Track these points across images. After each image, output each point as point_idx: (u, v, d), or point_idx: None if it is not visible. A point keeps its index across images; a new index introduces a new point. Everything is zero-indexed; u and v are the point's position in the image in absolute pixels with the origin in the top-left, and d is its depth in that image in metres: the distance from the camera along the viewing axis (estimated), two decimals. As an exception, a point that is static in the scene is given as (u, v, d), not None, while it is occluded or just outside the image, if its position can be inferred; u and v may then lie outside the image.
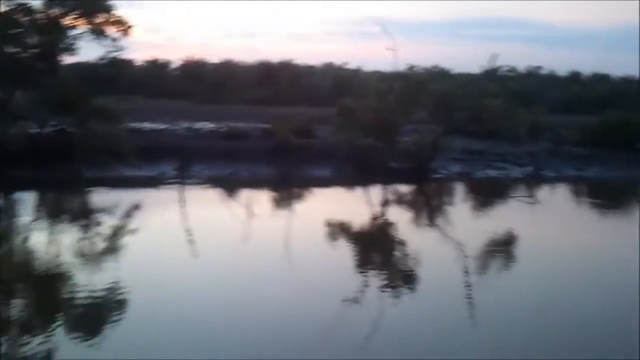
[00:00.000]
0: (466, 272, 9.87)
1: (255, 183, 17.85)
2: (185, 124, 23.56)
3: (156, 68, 41.01)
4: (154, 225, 12.84)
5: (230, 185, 17.39)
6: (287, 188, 17.92)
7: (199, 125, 23.70)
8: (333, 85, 38.44)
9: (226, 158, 19.06)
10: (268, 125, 21.77)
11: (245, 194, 16.61)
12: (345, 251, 11.23)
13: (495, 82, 30.72)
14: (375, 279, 9.59)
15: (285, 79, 39.19)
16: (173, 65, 42.16)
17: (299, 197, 17.16)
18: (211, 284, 8.94)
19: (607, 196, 19.39)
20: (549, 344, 7.04)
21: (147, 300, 7.91)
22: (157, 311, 7.64)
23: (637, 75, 52.86)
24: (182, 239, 11.14)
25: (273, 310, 7.85)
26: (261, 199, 16.27)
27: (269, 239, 11.79)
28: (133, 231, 11.95)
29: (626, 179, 21.62)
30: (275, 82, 38.48)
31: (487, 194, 18.83)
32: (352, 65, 47.58)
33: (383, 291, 8.93)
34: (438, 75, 41.36)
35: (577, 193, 19.93)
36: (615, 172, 21.86)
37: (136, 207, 14.24)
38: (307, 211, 15.31)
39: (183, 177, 17.50)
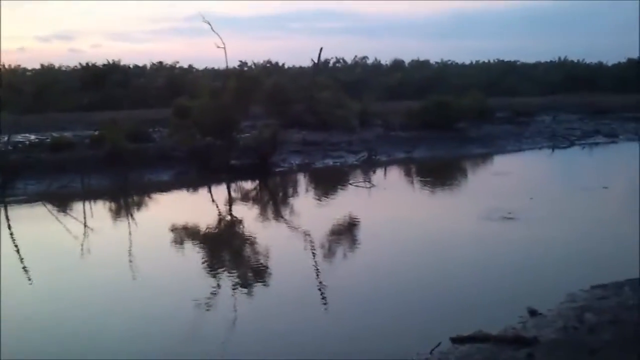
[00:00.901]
0: (315, 259, 10.18)
1: (90, 194, 16.81)
2: (4, 138, 21.53)
3: (-35, 79, 37.02)
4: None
5: (62, 200, 16.22)
6: (126, 197, 17.14)
7: (20, 137, 21.81)
8: (165, 85, 37.43)
9: (55, 171, 17.75)
10: (98, 132, 20.64)
11: (79, 207, 15.59)
12: (193, 255, 11.01)
13: (325, 74, 31.93)
14: (227, 279, 9.49)
15: (113, 82, 37.37)
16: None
17: (139, 204, 16.49)
18: (54, 307, 8.29)
19: (433, 173, 21.07)
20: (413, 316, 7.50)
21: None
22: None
23: (456, 59, 57.79)
24: (13, 266, 10.22)
25: (127, 323, 7.50)
26: (98, 211, 15.39)
27: (112, 252, 11.19)
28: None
29: (448, 156, 23.61)
30: (102, 85, 36.55)
31: (327, 183, 19.48)
32: (183, 63, 46.81)
33: (236, 289, 8.90)
34: (271, 70, 41.96)
35: (407, 173, 21.33)
36: (439, 152, 23.82)
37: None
38: (149, 218, 14.74)
39: (5, 196, 16.02)
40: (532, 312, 7.31)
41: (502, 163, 23.07)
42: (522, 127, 29.17)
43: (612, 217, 13.24)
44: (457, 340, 6.49)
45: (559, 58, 58.06)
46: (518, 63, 57.18)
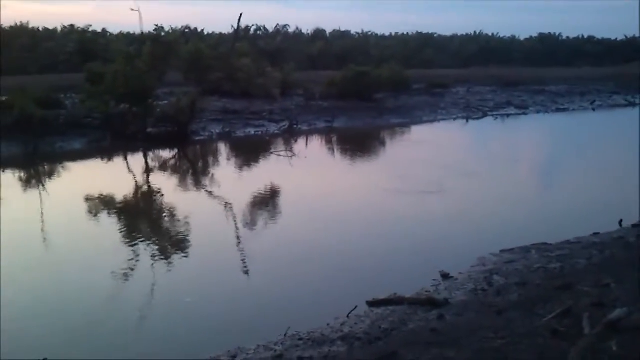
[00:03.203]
0: (236, 228, 10.21)
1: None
2: None
3: None
4: None
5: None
6: (36, 166, 16.34)
7: None
8: (78, 50, 35.58)
9: (-43, 139, 16.66)
10: (5, 98, 19.46)
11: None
12: (110, 226, 10.73)
13: (245, 42, 31.43)
14: (145, 250, 9.32)
15: (21, 45, 35.19)
16: None
17: (51, 174, 15.80)
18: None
19: (353, 143, 21.39)
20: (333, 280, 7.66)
21: None
22: None
23: (376, 31, 58.31)
24: None
25: (41, 296, 7.26)
26: (6, 180, 14.62)
27: (24, 224, 10.71)
28: None
29: (368, 126, 23.95)
30: (8, 48, 34.28)
31: (248, 152, 19.37)
32: (96, 27, 44.57)
33: (157, 260, 8.77)
34: (189, 36, 40.80)
35: (328, 143, 21.51)
36: (358, 121, 24.10)
37: None
38: (63, 189, 14.17)
39: None
40: (445, 276, 7.67)
41: (419, 133, 23.68)
42: (438, 99, 29.93)
43: (522, 187, 13.97)
44: (373, 304, 6.72)
45: (474, 32, 59.77)
46: (435, 35, 58.39)
